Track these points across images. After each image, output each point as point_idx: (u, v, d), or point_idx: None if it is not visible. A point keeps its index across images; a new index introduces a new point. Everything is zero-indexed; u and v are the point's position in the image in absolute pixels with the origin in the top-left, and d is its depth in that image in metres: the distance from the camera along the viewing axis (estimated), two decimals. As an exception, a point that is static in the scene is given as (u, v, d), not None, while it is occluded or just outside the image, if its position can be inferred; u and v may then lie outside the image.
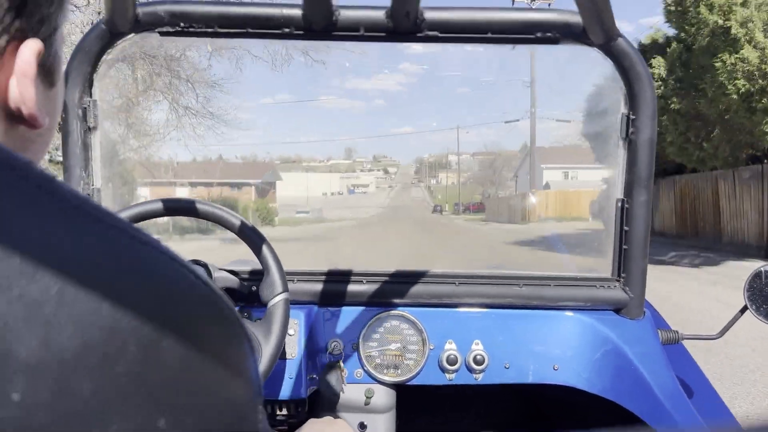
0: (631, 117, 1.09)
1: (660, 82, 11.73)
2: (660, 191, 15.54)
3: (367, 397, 1.17)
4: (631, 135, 1.10)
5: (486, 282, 1.20)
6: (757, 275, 1.12)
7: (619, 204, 1.14)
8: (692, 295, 7.24)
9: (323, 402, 1.18)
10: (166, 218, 1.22)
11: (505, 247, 13.17)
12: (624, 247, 1.13)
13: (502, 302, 1.18)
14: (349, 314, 1.19)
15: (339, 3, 1.00)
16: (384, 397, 1.18)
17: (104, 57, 1.07)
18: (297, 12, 0.99)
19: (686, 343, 1.29)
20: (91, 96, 1.10)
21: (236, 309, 0.30)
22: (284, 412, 1.15)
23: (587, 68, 1.17)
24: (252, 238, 1.03)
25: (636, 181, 1.10)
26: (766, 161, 11.68)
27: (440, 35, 1.02)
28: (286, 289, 1.01)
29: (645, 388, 1.07)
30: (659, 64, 11.93)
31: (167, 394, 0.25)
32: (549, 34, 1.02)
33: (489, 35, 1.03)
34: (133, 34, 1.05)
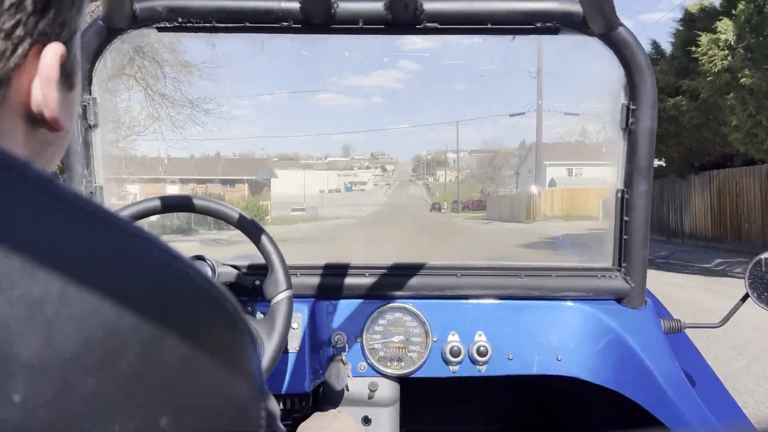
0: (632, 107, 1.09)
1: (726, 51, 9.19)
2: (691, 189, 13.75)
3: (371, 391, 1.18)
4: (631, 125, 1.10)
5: (487, 273, 1.21)
6: (757, 263, 1.13)
7: (619, 194, 1.15)
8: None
9: (327, 396, 1.19)
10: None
11: (517, 251, 11.66)
12: (624, 237, 1.15)
13: (504, 293, 1.19)
14: (351, 307, 1.20)
15: None
16: (388, 390, 1.20)
17: (102, 53, 1.08)
18: (295, 5, 1.00)
19: (689, 332, 1.28)
20: (90, 93, 1.12)
21: (239, 305, 0.30)
22: (288, 406, 1.15)
23: (591, 58, 1.12)
24: (255, 233, 1.03)
25: (636, 171, 1.11)
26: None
27: (440, 27, 1.03)
28: (289, 287, 1.02)
29: (648, 377, 1.08)
30: (726, 28, 9.16)
31: (169, 392, 0.25)
32: (549, 24, 1.03)
33: (489, 26, 1.04)
34: (130, 30, 1.05)
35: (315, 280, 1.20)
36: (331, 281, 1.20)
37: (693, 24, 11.02)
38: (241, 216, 1.03)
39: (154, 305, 0.25)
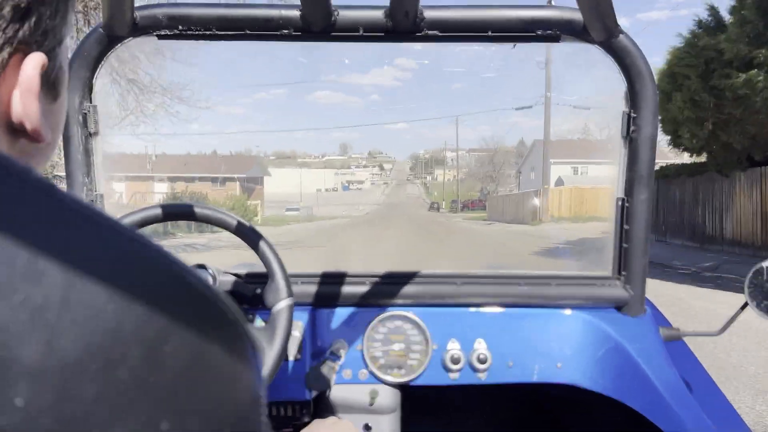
0: (632, 115, 1.10)
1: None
2: (736, 188, 11.26)
3: (371, 398, 1.19)
4: (632, 133, 1.10)
5: (487, 281, 1.22)
6: (757, 271, 1.12)
7: (620, 202, 1.16)
8: None
9: (327, 403, 1.20)
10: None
11: (531, 260, 10.03)
12: (624, 245, 1.16)
13: (504, 301, 1.20)
14: (352, 315, 1.21)
15: (337, 3, 1.01)
16: (388, 397, 1.20)
17: (103, 61, 1.09)
18: (295, 13, 1.00)
19: (688, 340, 1.29)
20: (91, 101, 1.12)
21: (241, 313, 0.30)
22: (289, 413, 1.16)
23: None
24: (256, 241, 1.03)
25: (636, 179, 1.11)
26: None
27: (440, 34, 1.03)
28: (290, 295, 1.01)
29: (648, 385, 1.08)
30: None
31: (170, 397, 0.25)
32: (550, 32, 1.03)
33: (489, 34, 1.04)
34: (131, 38, 1.05)
35: (315, 289, 1.21)
36: (332, 289, 1.21)
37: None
38: (239, 223, 1.03)
39: (155, 311, 0.25)
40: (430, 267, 1.24)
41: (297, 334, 1.11)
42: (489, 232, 18.25)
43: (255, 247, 1.01)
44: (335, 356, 1.16)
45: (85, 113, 1.10)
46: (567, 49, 1.07)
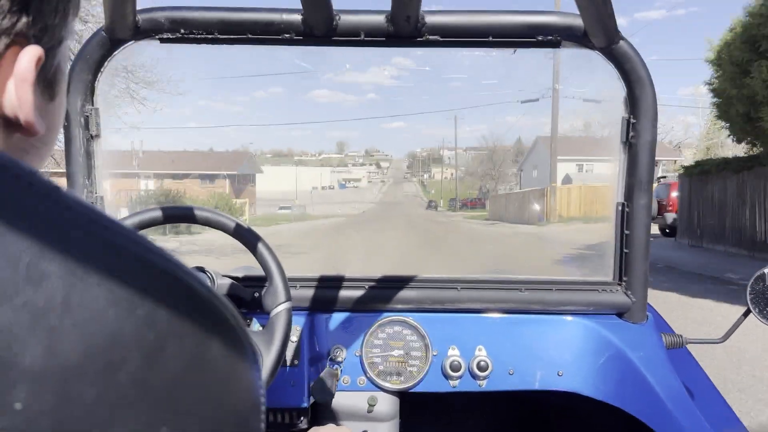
0: (632, 121, 1.11)
1: None
2: None
3: (370, 405, 1.18)
4: (631, 139, 1.12)
5: (488, 287, 1.22)
6: (759, 278, 1.13)
7: (620, 208, 1.17)
8: None
9: (326, 410, 1.21)
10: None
11: (555, 269, 8.52)
12: (625, 250, 1.17)
13: (505, 307, 1.20)
14: (351, 320, 1.21)
15: (339, 7, 1.02)
16: (387, 404, 1.19)
17: (105, 64, 1.11)
18: (297, 17, 1.01)
19: (691, 347, 1.31)
20: (92, 104, 1.13)
21: (240, 316, 0.31)
22: (286, 420, 1.16)
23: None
24: (255, 244, 1.03)
25: (636, 184, 1.13)
26: None
27: (441, 39, 1.04)
28: (289, 298, 1.01)
29: (649, 392, 1.09)
30: None
31: (170, 401, 0.25)
32: (550, 38, 1.04)
33: (490, 39, 1.05)
34: (133, 42, 1.06)
35: (314, 293, 1.21)
36: (330, 294, 1.21)
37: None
38: (238, 225, 1.04)
39: (156, 315, 0.25)
40: (432, 272, 1.23)
41: (295, 339, 1.13)
42: (494, 234, 16.61)
43: (254, 250, 1.01)
44: (336, 364, 1.17)
45: (87, 116, 1.11)
46: (569, 54, 1.08)
